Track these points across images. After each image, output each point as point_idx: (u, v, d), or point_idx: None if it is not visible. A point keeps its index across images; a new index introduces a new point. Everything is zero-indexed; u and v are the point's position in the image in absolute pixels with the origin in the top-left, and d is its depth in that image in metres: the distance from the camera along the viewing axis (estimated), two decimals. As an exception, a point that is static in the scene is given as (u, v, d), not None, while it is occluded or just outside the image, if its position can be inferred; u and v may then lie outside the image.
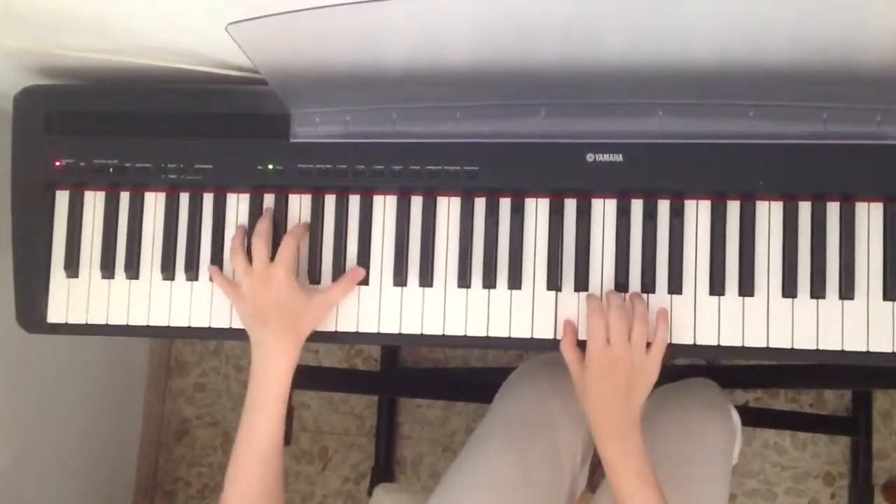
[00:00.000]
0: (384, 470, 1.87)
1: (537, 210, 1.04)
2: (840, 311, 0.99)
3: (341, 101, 1.05)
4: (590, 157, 1.02)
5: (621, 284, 1.02)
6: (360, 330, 1.06)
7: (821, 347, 0.99)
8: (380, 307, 1.06)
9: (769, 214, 1.01)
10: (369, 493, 1.28)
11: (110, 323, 1.10)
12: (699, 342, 1.01)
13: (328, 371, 1.91)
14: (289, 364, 1.01)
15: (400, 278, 1.05)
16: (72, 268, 1.10)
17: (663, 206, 1.03)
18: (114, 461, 1.86)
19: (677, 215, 1.02)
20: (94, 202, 1.11)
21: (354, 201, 1.07)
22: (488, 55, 0.94)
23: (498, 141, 1.03)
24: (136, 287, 1.10)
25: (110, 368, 1.79)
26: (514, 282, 1.03)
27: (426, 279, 1.05)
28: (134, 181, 1.09)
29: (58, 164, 1.09)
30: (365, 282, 1.06)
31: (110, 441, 1.83)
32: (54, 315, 1.10)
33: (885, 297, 0.98)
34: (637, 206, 1.03)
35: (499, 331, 1.04)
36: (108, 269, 1.10)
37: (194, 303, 1.09)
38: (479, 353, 1.89)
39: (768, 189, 1.00)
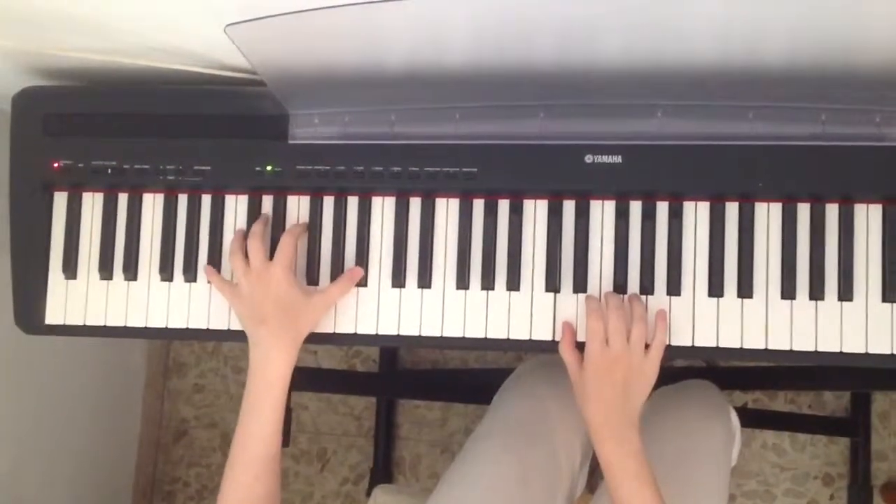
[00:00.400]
0: (383, 471, 1.87)
1: (536, 211, 1.04)
2: (839, 313, 0.99)
3: (340, 103, 1.04)
4: (588, 159, 1.02)
5: (620, 286, 1.02)
6: (359, 331, 1.06)
7: (820, 349, 0.99)
8: (378, 308, 1.05)
9: (768, 216, 1.01)
10: (368, 494, 1.28)
11: (108, 324, 1.10)
12: (698, 344, 1.01)
13: (327, 372, 1.91)
14: (287, 364, 1.01)
15: (398, 280, 1.05)
16: (70, 269, 1.10)
17: (662, 208, 1.03)
18: (112, 462, 1.86)
19: (676, 217, 1.02)
20: (92, 203, 1.11)
21: (353, 203, 1.07)
22: (487, 56, 0.94)
23: (497, 142, 1.03)
24: (134, 288, 1.10)
25: (108, 369, 1.79)
26: (513, 283, 1.03)
27: (425, 280, 1.05)
28: (132, 182, 1.09)
29: (56, 165, 1.09)
30: (363, 283, 1.06)
31: (109, 442, 1.83)
32: (52, 316, 1.10)
33: (884, 299, 0.98)
34: (636, 207, 1.03)
35: (497, 332, 1.04)
36: (106, 271, 1.10)
37: (192, 304, 1.08)
38: (477, 354, 1.89)
39: (767, 190, 1.00)
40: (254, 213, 1.08)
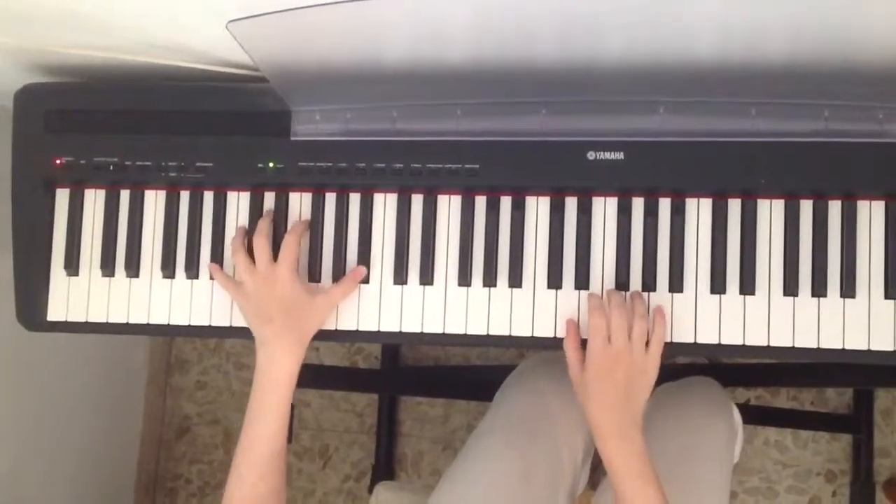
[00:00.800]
0: (385, 468, 1.87)
1: (538, 208, 1.04)
2: (841, 310, 0.99)
3: (342, 99, 1.04)
4: (591, 155, 1.01)
5: (622, 283, 1.02)
6: (361, 328, 1.06)
7: (822, 346, 0.99)
8: (380, 305, 1.05)
9: (770, 213, 1.01)
10: (370, 491, 1.28)
11: (110, 321, 1.10)
12: (700, 341, 1.01)
13: (329, 369, 1.91)
14: (293, 363, 1.01)
15: (400, 276, 1.05)
16: (72, 266, 1.10)
17: (664, 205, 1.03)
18: (114, 459, 1.86)
19: (678, 213, 1.02)
20: (94, 200, 1.11)
21: (355, 199, 1.07)
22: (489, 53, 0.94)
23: (499, 139, 1.03)
24: (136, 285, 1.10)
25: (111, 366, 1.79)
26: (515, 280, 1.03)
27: (427, 277, 1.05)
28: (134, 179, 1.09)
29: (58, 161, 1.09)
30: (365, 280, 1.06)
31: (111, 439, 1.83)
32: (54, 313, 1.10)
33: (887, 296, 0.98)
34: (638, 204, 1.03)
35: (499, 329, 1.04)
36: (108, 268, 1.10)
37: (194, 301, 1.09)
38: (479, 351, 1.89)
39: (769, 187, 1.00)
40: (256, 209, 1.08)
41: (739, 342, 1.00)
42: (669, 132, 1.00)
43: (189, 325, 1.09)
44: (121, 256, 1.10)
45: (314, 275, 1.07)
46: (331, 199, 1.08)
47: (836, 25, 0.85)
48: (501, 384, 1.23)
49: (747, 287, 1.00)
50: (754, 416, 1.77)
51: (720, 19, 0.86)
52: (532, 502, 1.08)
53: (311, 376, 1.68)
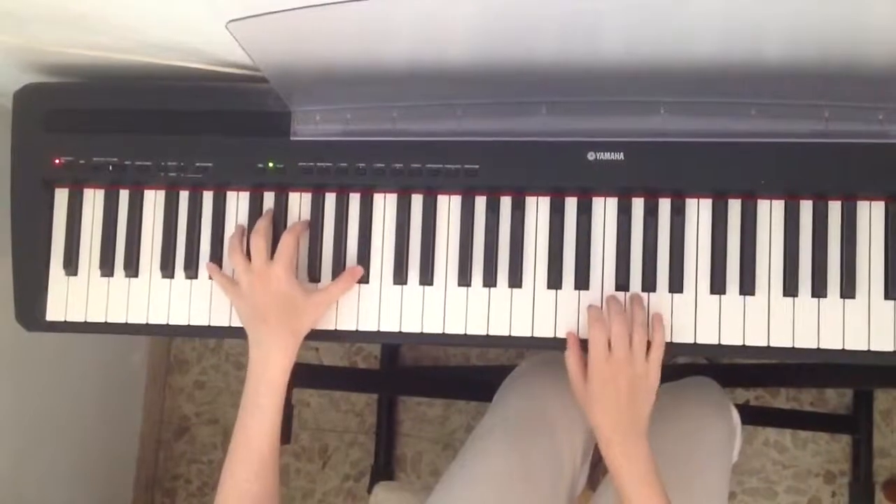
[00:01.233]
0: (384, 468, 1.87)
1: (538, 208, 1.04)
2: (841, 310, 0.99)
3: (342, 99, 1.04)
4: (591, 156, 1.01)
5: (622, 283, 1.02)
6: (360, 328, 1.06)
7: (822, 346, 0.99)
8: (380, 305, 1.05)
9: (770, 213, 1.01)
10: (369, 491, 1.28)
11: (109, 321, 1.10)
12: (700, 341, 1.01)
13: (328, 369, 1.91)
14: (287, 362, 1.01)
15: (400, 276, 1.05)
16: (71, 266, 1.10)
17: (664, 205, 1.02)
18: (114, 458, 1.86)
19: (678, 214, 1.02)
20: (93, 200, 1.11)
21: (355, 199, 1.07)
22: (489, 53, 0.94)
23: (499, 139, 1.03)
24: (135, 285, 1.10)
25: (110, 366, 1.79)
26: (515, 280, 1.03)
27: (426, 277, 1.05)
28: (133, 179, 1.09)
29: (57, 161, 1.09)
30: (365, 280, 1.06)
31: (110, 439, 1.83)
32: (53, 313, 1.10)
33: (887, 296, 0.98)
34: (638, 204, 1.03)
35: (499, 329, 1.03)
36: (107, 267, 1.10)
37: (194, 301, 1.08)
38: (479, 351, 1.89)
39: (770, 188, 1.00)
40: (255, 209, 1.08)
41: (739, 343, 1.00)
42: (670, 132, 1.00)
43: (188, 325, 1.09)
44: (120, 256, 1.10)
45: (314, 275, 1.07)
46: (330, 199, 1.08)
47: (837, 26, 0.85)
48: (501, 385, 1.22)
49: (747, 287, 1.00)
50: (754, 416, 1.77)
51: (721, 19, 0.86)
52: (531, 503, 1.08)
53: (311, 376, 1.69)
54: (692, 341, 1.01)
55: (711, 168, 1.00)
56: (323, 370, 1.87)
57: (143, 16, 0.93)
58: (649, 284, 1.01)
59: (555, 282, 1.03)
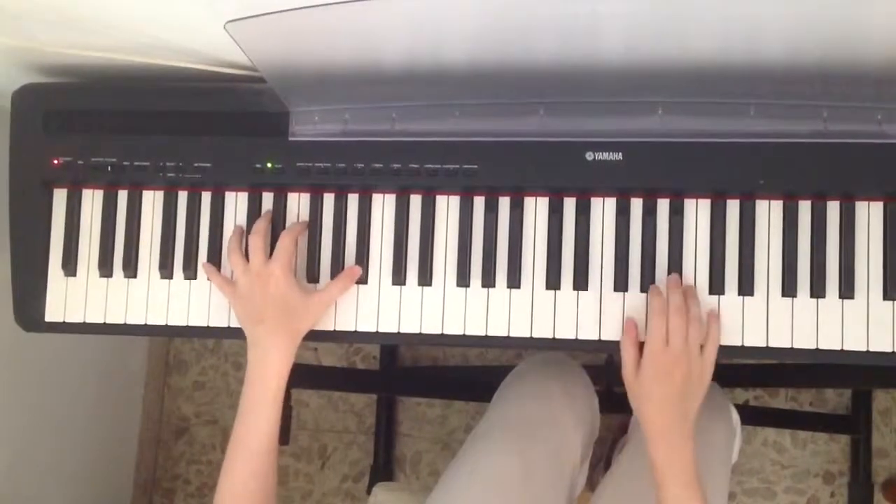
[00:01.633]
0: (383, 468, 1.87)
1: (536, 209, 1.04)
2: (840, 311, 0.99)
3: (340, 100, 1.04)
4: (589, 156, 1.01)
5: (620, 284, 1.02)
6: (359, 329, 1.06)
7: (820, 347, 0.99)
8: (378, 306, 1.05)
9: (769, 213, 1.01)
10: (368, 492, 1.28)
11: (108, 321, 1.10)
12: (699, 341, 1.00)
13: (327, 370, 1.91)
14: (285, 363, 1.01)
15: (399, 277, 1.05)
16: (69, 266, 1.10)
17: (663, 205, 1.02)
18: (113, 459, 1.86)
19: (677, 214, 1.02)
20: (92, 200, 1.11)
21: (353, 200, 1.07)
22: (488, 53, 0.94)
23: (497, 139, 1.03)
24: (133, 286, 1.09)
25: (109, 366, 1.79)
26: (514, 281, 1.03)
27: (425, 278, 1.05)
28: (132, 180, 1.09)
29: (56, 162, 1.09)
30: (363, 281, 1.06)
31: (109, 439, 1.83)
32: (52, 314, 1.10)
33: (886, 297, 0.98)
34: (637, 204, 1.03)
35: (498, 330, 1.03)
36: (105, 268, 1.09)
37: (192, 302, 1.08)
38: (478, 351, 1.89)
39: (768, 188, 1.00)
40: (254, 210, 1.08)
41: (738, 343, 1.00)
42: (668, 133, 1.00)
43: (187, 326, 1.09)
44: (118, 257, 1.10)
45: (312, 275, 1.07)
46: (329, 199, 1.07)
47: (836, 26, 0.85)
48: (500, 385, 1.22)
49: (746, 288, 1.00)
50: (753, 416, 1.77)
51: (719, 19, 0.86)
52: (530, 503, 1.08)
53: (310, 377, 1.69)
54: (691, 341, 1.01)
55: (710, 168, 1.00)
56: (322, 371, 1.87)
57: (142, 16, 0.93)
58: (648, 285, 1.01)
59: (553, 282, 1.03)
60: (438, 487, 1.11)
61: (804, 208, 1.00)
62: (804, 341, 0.99)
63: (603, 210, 1.03)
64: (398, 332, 1.05)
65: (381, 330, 1.06)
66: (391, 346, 1.86)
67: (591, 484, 1.27)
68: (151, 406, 1.96)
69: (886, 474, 1.77)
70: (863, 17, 0.83)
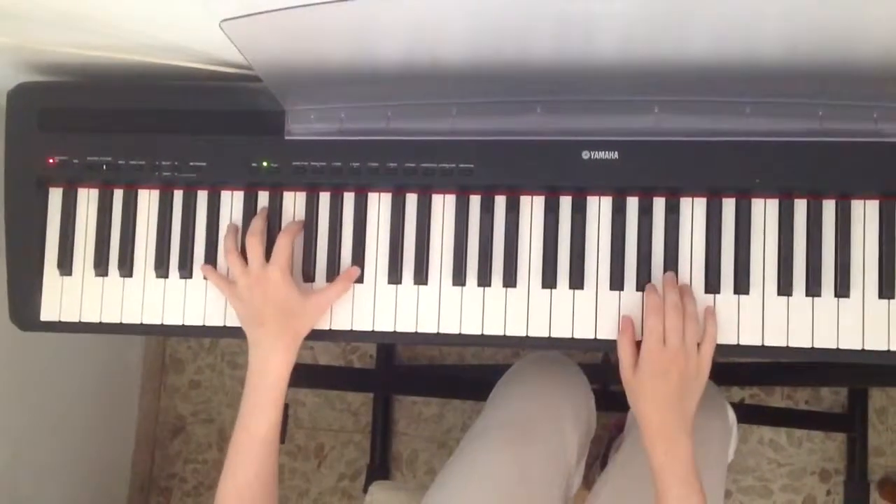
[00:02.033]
0: (380, 467, 1.87)
1: (532, 208, 1.04)
2: (835, 309, 0.99)
3: (336, 99, 1.04)
4: (585, 155, 1.01)
5: (616, 282, 1.02)
6: (355, 328, 1.06)
7: (816, 345, 0.99)
8: (374, 305, 1.05)
9: (765, 212, 1.01)
10: (365, 491, 1.27)
11: (104, 321, 1.09)
12: (695, 340, 1.01)
13: (324, 368, 1.91)
14: (286, 364, 1.01)
15: (395, 276, 1.05)
16: (65, 265, 1.10)
17: (659, 204, 1.03)
18: (109, 458, 1.85)
19: (673, 212, 1.02)
20: (87, 199, 1.11)
21: (349, 199, 1.07)
22: (484, 52, 0.94)
23: (493, 138, 1.03)
24: (129, 285, 1.09)
25: (105, 365, 1.79)
26: (510, 280, 1.03)
27: (421, 277, 1.05)
28: (127, 178, 1.09)
29: (51, 160, 1.09)
30: (360, 280, 1.06)
31: (106, 438, 1.83)
32: (47, 313, 1.10)
33: (881, 295, 0.98)
34: (633, 203, 1.03)
35: (494, 329, 1.03)
36: (101, 267, 1.09)
37: (188, 301, 1.08)
38: (474, 350, 1.89)
39: (764, 186, 1.00)
40: (250, 209, 1.08)
41: (734, 342, 1.00)
42: (664, 131, 1.00)
43: (183, 325, 1.09)
44: (114, 256, 1.10)
45: (308, 275, 1.06)
46: (325, 198, 1.07)
47: (831, 25, 0.85)
48: (496, 384, 1.22)
49: (741, 286, 1.00)
50: (749, 415, 1.77)
51: (715, 19, 0.86)
52: (527, 502, 1.08)
53: (306, 375, 1.69)
54: (687, 340, 1.01)
55: (706, 167, 1.00)
56: (318, 369, 1.87)
57: (137, 15, 0.93)
58: (644, 284, 1.01)
59: (549, 281, 1.03)
60: (435, 486, 1.11)
61: (800, 207, 1.00)
62: (800, 340, 0.99)
63: (599, 209, 1.03)
64: (394, 332, 1.05)
65: (377, 329, 1.05)
66: (388, 344, 1.86)
67: (588, 482, 1.27)
68: (148, 405, 1.96)
69: (882, 472, 1.77)
70: (859, 15, 0.83)
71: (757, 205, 1.01)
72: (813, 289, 0.99)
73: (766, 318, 1.00)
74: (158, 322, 1.09)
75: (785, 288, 0.99)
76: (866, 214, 1.00)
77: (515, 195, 1.04)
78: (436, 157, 1.03)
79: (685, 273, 1.01)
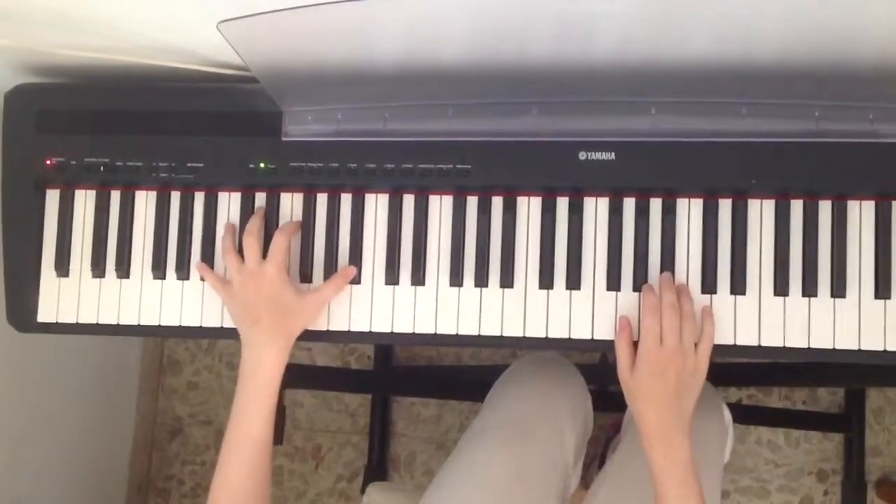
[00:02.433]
0: (377, 468, 1.87)
1: (529, 208, 1.04)
2: (832, 310, 0.99)
3: (333, 100, 1.04)
4: (582, 156, 1.02)
5: (613, 283, 1.02)
6: (352, 329, 1.06)
7: (813, 345, 0.99)
8: (372, 306, 1.05)
9: (761, 212, 1.01)
10: (362, 492, 1.27)
11: (101, 322, 1.09)
12: (691, 340, 1.01)
13: (322, 369, 1.90)
14: (279, 364, 1.01)
15: (392, 277, 1.05)
16: (62, 267, 1.10)
17: (655, 205, 1.03)
18: (107, 459, 1.85)
19: (669, 213, 1.02)
20: (84, 201, 1.11)
21: (346, 200, 1.07)
22: (481, 53, 0.94)
23: (490, 139, 1.03)
24: (126, 286, 1.09)
25: (103, 367, 1.79)
26: (507, 280, 1.03)
27: (418, 278, 1.05)
28: (125, 180, 1.09)
29: (48, 162, 1.09)
30: (357, 280, 1.06)
31: (104, 439, 1.82)
32: (45, 314, 1.10)
33: (877, 296, 0.99)
34: (629, 204, 1.03)
35: (491, 329, 1.03)
36: (98, 268, 1.09)
37: (185, 302, 1.08)
38: (472, 351, 1.89)
39: (760, 187, 1.00)
40: (247, 210, 1.08)
41: (730, 342, 1.00)
42: (661, 132, 1.00)
43: (180, 326, 1.09)
44: (111, 257, 1.10)
45: (305, 275, 1.06)
46: (322, 199, 1.07)
47: (828, 25, 0.85)
48: (494, 384, 1.23)
49: (738, 287, 1.00)
50: (746, 415, 1.77)
51: (712, 20, 0.86)
52: (524, 502, 1.08)
53: (304, 377, 1.69)
54: (684, 341, 1.01)
55: (702, 168, 1.00)
56: (316, 370, 1.87)
57: (134, 16, 0.93)
58: (640, 284, 1.01)
59: (546, 282, 1.03)
60: (432, 487, 1.11)
61: (796, 207, 1.01)
62: (796, 340, 0.99)
63: (596, 209, 1.03)
64: (392, 332, 1.05)
65: (374, 330, 1.06)
66: (385, 345, 1.86)
67: (585, 483, 1.27)
68: (145, 407, 1.96)
69: (879, 472, 1.77)
70: (856, 16, 0.84)
71: (753, 205, 1.01)
72: (809, 289, 0.99)
73: (762, 319, 1.00)
74: (155, 323, 1.09)
75: (781, 288, 0.99)
76: (862, 215, 1.00)
77: (512, 196, 1.04)
78: (433, 158, 1.03)
79: (682, 273, 1.01)
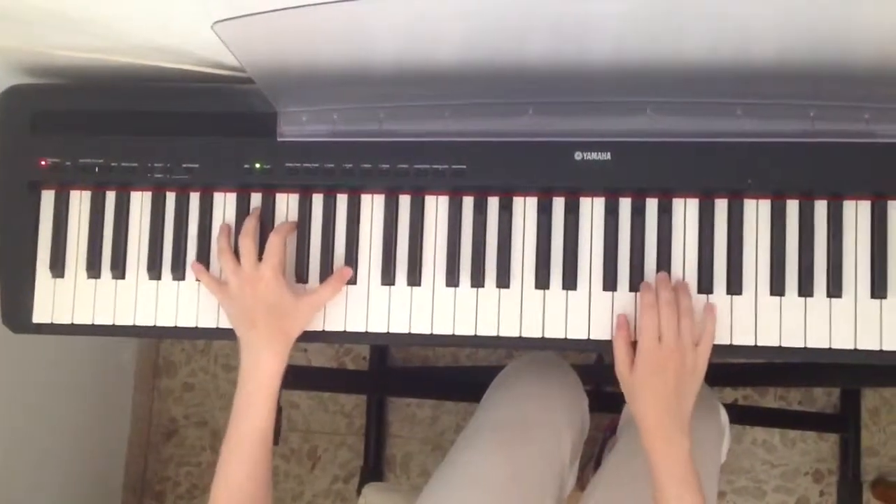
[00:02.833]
0: (373, 469, 1.87)
1: (525, 209, 1.04)
2: (828, 310, 0.99)
3: (328, 100, 1.04)
4: (578, 156, 1.01)
5: (609, 283, 1.02)
6: (348, 329, 1.05)
7: (809, 345, 0.99)
8: (368, 306, 1.05)
9: (757, 213, 1.01)
10: (358, 493, 1.27)
11: (96, 323, 1.09)
12: (688, 340, 1.01)
13: (317, 370, 1.90)
14: (278, 365, 1.01)
15: (388, 277, 1.05)
16: (57, 267, 1.09)
17: (651, 205, 1.03)
18: (103, 461, 1.85)
19: (665, 213, 1.02)
20: (79, 201, 1.10)
21: (342, 200, 1.07)
22: (477, 53, 0.94)
23: (486, 139, 1.03)
24: (122, 287, 1.09)
25: (98, 368, 1.79)
26: (503, 280, 1.03)
27: (414, 278, 1.05)
28: (120, 180, 1.09)
29: (43, 163, 1.09)
30: (353, 281, 1.06)
31: (99, 441, 1.82)
32: (40, 315, 1.10)
33: (873, 295, 0.99)
34: (625, 204, 1.03)
35: (487, 330, 1.03)
36: (93, 269, 1.09)
37: (181, 302, 1.08)
38: (468, 351, 1.89)
39: (756, 187, 1.00)
40: (242, 210, 1.08)
41: (727, 342, 1.00)
42: (657, 132, 1.00)
43: (175, 327, 1.08)
44: (106, 258, 1.09)
45: (301, 276, 1.06)
46: (318, 200, 1.07)
47: (823, 26, 0.85)
48: (490, 385, 1.22)
49: (734, 287, 1.00)
50: (742, 416, 1.77)
51: (707, 20, 0.86)
52: (520, 503, 1.08)
53: (300, 377, 1.68)
54: (680, 341, 1.01)
55: (698, 168, 1.00)
56: (312, 371, 1.87)
57: (130, 17, 0.93)
58: (637, 284, 1.01)
59: (543, 282, 1.03)
60: (428, 488, 1.11)
61: (792, 207, 1.01)
62: (792, 340, 0.99)
63: (592, 210, 1.03)
64: (387, 333, 1.05)
65: (370, 330, 1.05)
66: (381, 346, 1.86)
67: (581, 483, 1.27)
68: (141, 408, 1.95)
69: (875, 473, 1.77)
70: (850, 16, 0.84)
71: (749, 205, 1.01)
72: (805, 289, 0.99)
73: (758, 319, 1.00)
74: (151, 324, 1.09)
75: (777, 288, 0.99)
76: (858, 215, 1.00)
77: (508, 196, 1.04)
78: (429, 159, 1.03)
79: (678, 273, 1.01)
